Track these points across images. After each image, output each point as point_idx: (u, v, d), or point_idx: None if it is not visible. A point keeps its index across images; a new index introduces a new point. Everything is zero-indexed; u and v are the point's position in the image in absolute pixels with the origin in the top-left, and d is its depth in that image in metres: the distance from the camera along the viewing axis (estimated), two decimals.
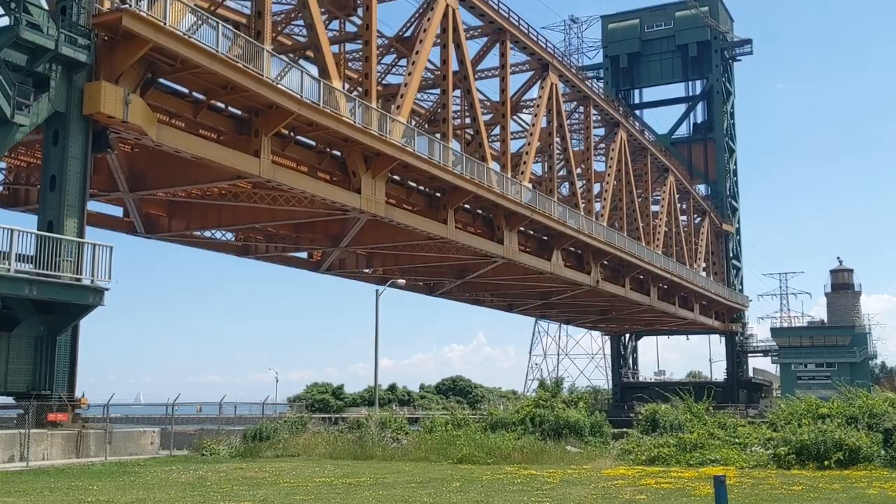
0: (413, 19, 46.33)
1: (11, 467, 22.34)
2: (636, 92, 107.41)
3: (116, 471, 21.90)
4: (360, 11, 41.60)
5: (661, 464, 22.97)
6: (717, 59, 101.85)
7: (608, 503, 15.05)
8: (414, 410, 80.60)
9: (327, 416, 60.37)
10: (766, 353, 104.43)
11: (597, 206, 61.96)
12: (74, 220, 25.68)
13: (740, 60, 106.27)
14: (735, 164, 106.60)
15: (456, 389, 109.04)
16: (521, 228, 51.11)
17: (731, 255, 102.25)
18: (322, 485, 18.33)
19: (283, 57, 35.70)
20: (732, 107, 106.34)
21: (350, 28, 45.08)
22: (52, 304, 24.76)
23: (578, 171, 62.17)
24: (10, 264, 22.53)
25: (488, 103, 55.68)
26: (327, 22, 44.23)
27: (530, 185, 52.03)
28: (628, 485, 17.84)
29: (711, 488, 11.63)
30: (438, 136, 42.91)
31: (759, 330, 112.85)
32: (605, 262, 62.80)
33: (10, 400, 25.95)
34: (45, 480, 19.22)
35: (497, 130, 51.40)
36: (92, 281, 24.34)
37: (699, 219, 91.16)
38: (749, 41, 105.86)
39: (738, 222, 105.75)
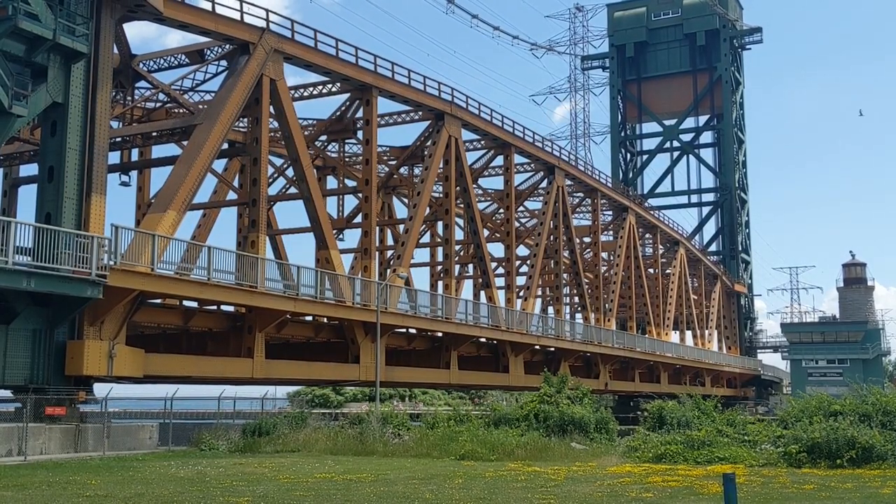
0: (414, 153, 46.25)
1: (9, 461, 22.19)
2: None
3: (115, 465, 21.73)
4: (359, 134, 41.47)
5: (668, 461, 22.66)
6: (726, 47, 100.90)
7: (614, 501, 14.66)
8: (416, 406, 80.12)
9: (328, 411, 59.86)
10: (776, 349, 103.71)
11: (606, 282, 62.69)
12: (73, 211, 25.39)
13: (750, 49, 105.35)
14: (745, 156, 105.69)
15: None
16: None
17: (744, 311, 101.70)
18: (322, 480, 18.04)
19: (276, 261, 34.86)
20: (742, 97, 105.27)
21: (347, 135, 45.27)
22: (51, 297, 24.45)
23: (587, 254, 63.14)
24: (7, 256, 22.19)
25: (492, 192, 56.96)
26: (325, 143, 44.68)
27: (537, 311, 52.89)
28: (635, 482, 17.48)
29: (720, 486, 11.24)
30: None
31: (769, 325, 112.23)
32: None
33: (7, 393, 25.80)
34: (44, 474, 19.03)
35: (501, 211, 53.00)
36: (91, 273, 23.97)
37: (712, 279, 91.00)
38: (759, 29, 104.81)
39: (748, 215, 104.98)
